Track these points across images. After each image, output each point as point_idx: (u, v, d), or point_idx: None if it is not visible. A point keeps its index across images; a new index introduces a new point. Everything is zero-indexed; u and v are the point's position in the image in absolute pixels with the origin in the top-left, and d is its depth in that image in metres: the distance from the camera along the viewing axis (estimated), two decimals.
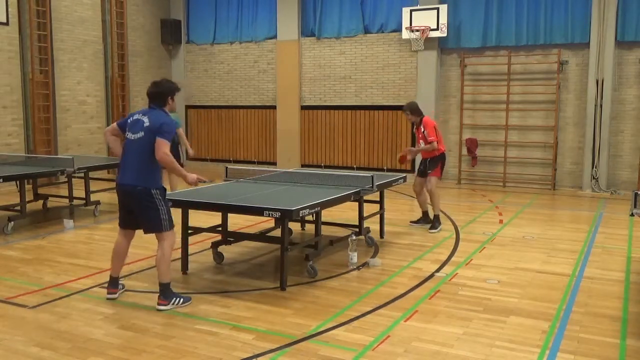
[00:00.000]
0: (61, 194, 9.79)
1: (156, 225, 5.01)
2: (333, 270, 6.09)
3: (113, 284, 5.27)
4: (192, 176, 5.20)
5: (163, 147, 4.89)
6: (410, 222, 8.35)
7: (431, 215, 8.05)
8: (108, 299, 5.21)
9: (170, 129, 4.98)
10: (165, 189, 5.10)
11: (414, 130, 8.24)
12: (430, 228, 7.94)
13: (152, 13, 14.95)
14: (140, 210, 5.02)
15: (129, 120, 5.15)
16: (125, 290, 5.41)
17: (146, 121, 4.99)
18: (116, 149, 5.33)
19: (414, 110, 7.99)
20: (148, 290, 5.44)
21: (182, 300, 5.06)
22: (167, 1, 15.35)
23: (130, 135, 5.06)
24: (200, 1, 15.19)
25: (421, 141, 8.01)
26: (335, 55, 13.74)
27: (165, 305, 4.97)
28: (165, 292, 5.00)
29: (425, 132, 7.89)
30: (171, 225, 5.09)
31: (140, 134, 4.98)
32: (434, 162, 7.97)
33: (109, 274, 5.31)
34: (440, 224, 7.99)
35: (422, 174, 8.17)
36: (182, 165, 7.30)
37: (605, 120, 11.38)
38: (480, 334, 4.48)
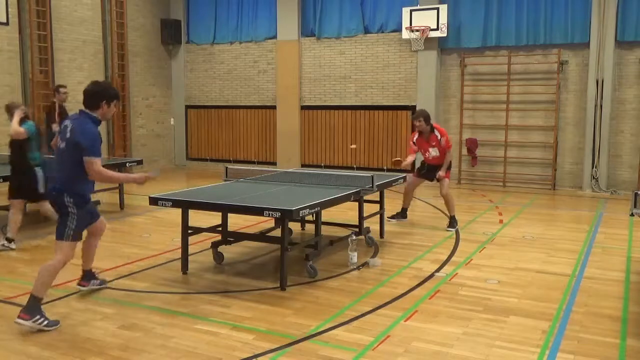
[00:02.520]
0: None
1: (60, 232, 4.71)
2: (333, 270, 6.09)
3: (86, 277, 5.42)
4: (139, 175, 4.93)
5: (94, 166, 4.56)
6: (388, 217, 8.36)
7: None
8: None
9: (90, 142, 4.57)
10: (83, 198, 4.76)
11: (415, 139, 8.12)
12: (449, 226, 8.04)
13: (152, 13, 14.95)
14: (59, 214, 4.80)
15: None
16: (127, 290, 5.43)
17: (68, 131, 4.66)
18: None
19: (427, 118, 7.91)
20: (148, 290, 5.44)
21: (47, 322, 4.53)
22: (167, 1, 15.35)
23: (59, 142, 4.78)
24: (200, 1, 15.19)
25: (430, 149, 8.00)
26: (335, 55, 13.74)
27: (26, 320, 4.48)
28: (33, 307, 4.54)
29: (442, 140, 7.89)
30: (74, 238, 4.73)
31: (63, 145, 4.69)
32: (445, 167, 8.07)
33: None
34: (457, 223, 8.08)
35: (424, 176, 8.27)
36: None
37: (605, 120, 11.38)
38: (480, 334, 4.48)
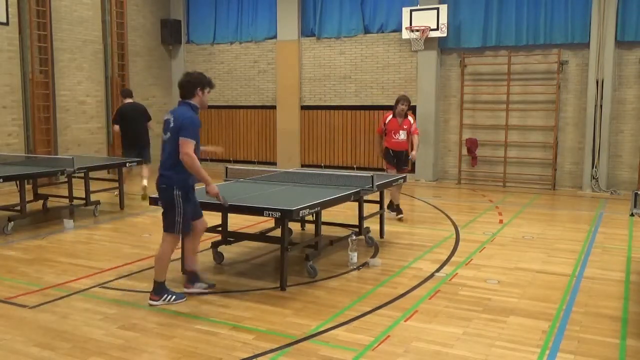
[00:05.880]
0: (61, 194, 9.79)
1: (170, 224, 5.05)
2: (333, 270, 6.09)
3: (190, 279, 5.40)
4: (215, 189, 5.11)
5: (184, 147, 4.86)
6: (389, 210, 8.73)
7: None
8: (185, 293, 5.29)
9: (191, 125, 4.92)
10: (187, 192, 5.04)
11: (387, 121, 8.64)
12: (398, 213, 8.69)
13: (152, 13, 14.95)
14: (163, 207, 5.13)
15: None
16: (127, 290, 5.44)
17: (172, 121, 5.03)
18: None
19: (410, 103, 8.71)
20: (148, 291, 5.42)
21: (174, 297, 5.11)
22: (167, 1, 15.34)
23: (163, 136, 5.14)
24: (200, 1, 15.19)
25: (401, 131, 8.61)
26: (335, 55, 13.74)
27: (156, 301, 5.06)
28: (157, 289, 5.10)
29: (414, 125, 8.67)
30: (184, 229, 5.07)
31: (168, 135, 5.02)
32: (407, 158, 8.75)
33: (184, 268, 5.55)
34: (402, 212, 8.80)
35: (397, 165, 8.69)
36: None
37: (605, 120, 11.37)
38: (480, 334, 4.48)
